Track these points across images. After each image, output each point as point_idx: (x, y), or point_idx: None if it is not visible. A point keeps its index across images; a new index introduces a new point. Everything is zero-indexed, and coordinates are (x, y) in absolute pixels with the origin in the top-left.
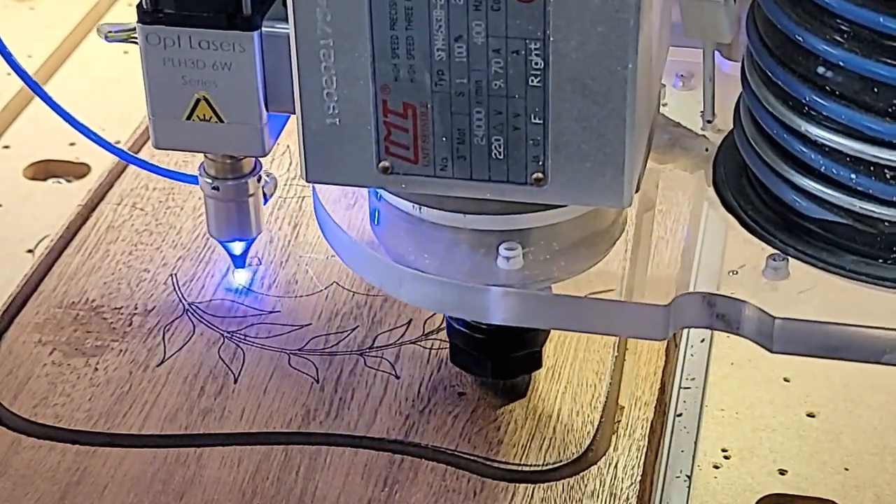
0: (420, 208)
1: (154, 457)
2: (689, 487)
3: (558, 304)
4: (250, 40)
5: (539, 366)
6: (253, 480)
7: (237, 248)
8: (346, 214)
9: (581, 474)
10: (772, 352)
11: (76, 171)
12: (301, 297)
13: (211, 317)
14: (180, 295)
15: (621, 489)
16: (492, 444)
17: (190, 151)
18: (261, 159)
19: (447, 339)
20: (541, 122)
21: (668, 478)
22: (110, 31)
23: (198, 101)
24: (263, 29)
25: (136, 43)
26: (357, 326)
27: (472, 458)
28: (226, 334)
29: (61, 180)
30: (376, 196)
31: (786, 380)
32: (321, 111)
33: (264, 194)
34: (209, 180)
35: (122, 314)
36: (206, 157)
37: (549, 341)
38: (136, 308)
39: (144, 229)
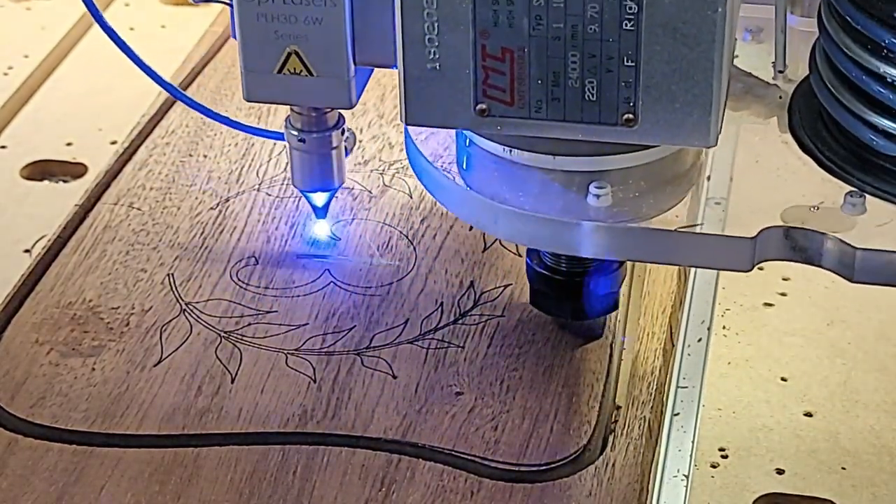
0: (511, 151)
1: (151, 457)
2: (686, 487)
3: (649, 237)
4: None
5: (617, 307)
6: (250, 480)
7: (320, 198)
8: (437, 157)
9: (578, 474)
10: (852, 281)
11: (73, 170)
12: (298, 296)
13: (208, 317)
14: (177, 295)
15: (619, 489)
16: (489, 443)
17: (279, 104)
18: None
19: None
20: (633, 64)
21: (665, 477)
22: None
23: (289, 54)
24: None
25: (223, 2)
26: (354, 326)
27: (469, 457)
28: (223, 334)
29: (58, 180)
30: (464, 141)
31: (783, 379)
32: (422, 57)
33: (346, 149)
34: (295, 133)
35: (119, 314)
36: (292, 110)
37: (545, 341)
38: (133, 308)
39: (141, 229)
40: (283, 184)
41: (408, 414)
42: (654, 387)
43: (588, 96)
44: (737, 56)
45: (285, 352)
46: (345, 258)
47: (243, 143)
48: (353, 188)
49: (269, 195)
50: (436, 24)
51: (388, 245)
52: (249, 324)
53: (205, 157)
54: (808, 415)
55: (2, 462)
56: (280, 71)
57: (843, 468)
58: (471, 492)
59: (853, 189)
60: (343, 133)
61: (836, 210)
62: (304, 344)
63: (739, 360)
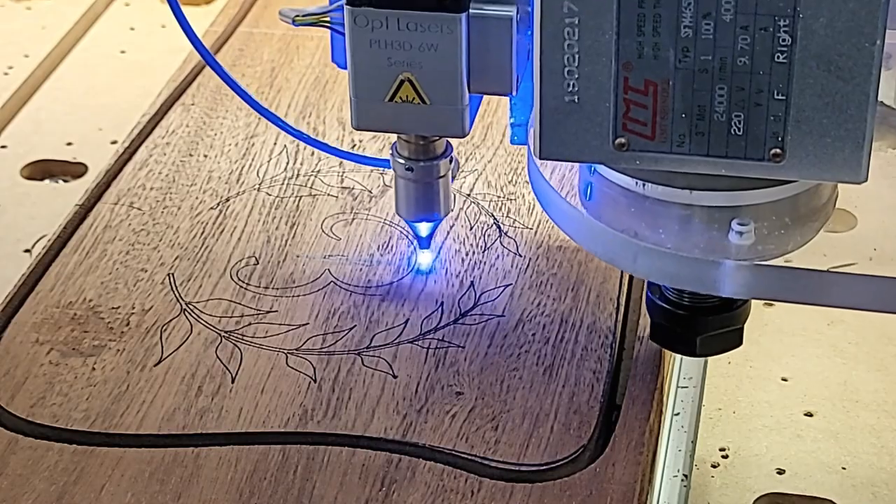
0: (644, 185)
1: (151, 456)
2: (686, 487)
3: (799, 278)
4: (458, 22)
5: (740, 343)
6: (250, 480)
7: (424, 228)
8: (564, 188)
9: (578, 474)
10: None
11: (73, 170)
12: (298, 296)
13: (208, 316)
14: (177, 295)
15: (619, 489)
16: (489, 443)
17: (390, 133)
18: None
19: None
20: (784, 98)
21: (665, 477)
22: (298, 16)
23: (402, 82)
24: (471, 10)
25: (325, 26)
26: (354, 326)
27: (469, 457)
28: (223, 334)
29: (58, 180)
30: (589, 170)
31: (784, 379)
32: (561, 89)
33: (451, 176)
34: (402, 161)
35: (119, 314)
36: (399, 137)
37: (546, 341)
38: (133, 308)
39: (142, 229)
40: (283, 184)
41: (408, 414)
42: (655, 387)
43: (734, 130)
44: None
45: (285, 351)
46: (345, 258)
47: (243, 143)
48: (353, 188)
49: (270, 195)
50: (576, 56)
51: (388, 245)
52: (250, 323)
53: (205, 156)
54: (809, 415)
55: (2, 461)
56: (392, 99)
57: (843, 468)
58: (471, 491)
59: None
60: (451, 161)
61: None
62: (304, 344)
63: (740, 359)
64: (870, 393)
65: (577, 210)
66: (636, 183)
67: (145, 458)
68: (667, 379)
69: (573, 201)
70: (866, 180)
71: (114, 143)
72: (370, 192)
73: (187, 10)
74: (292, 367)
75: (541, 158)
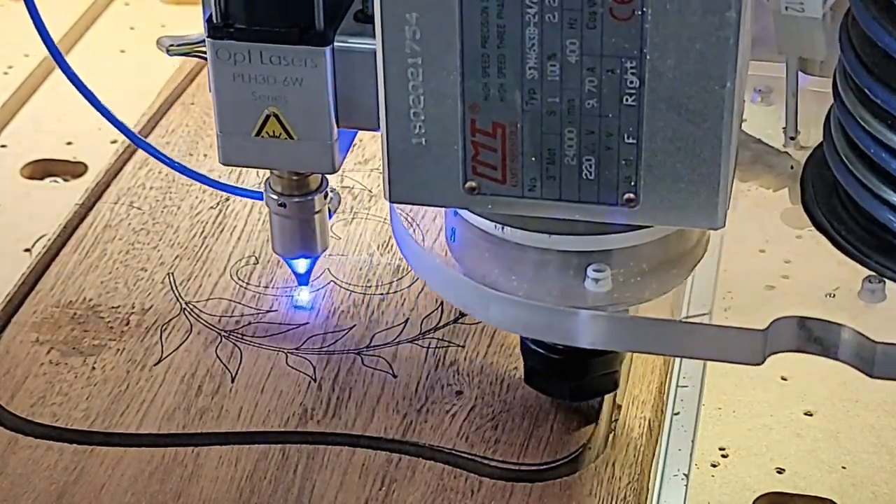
0: (503, 228)
1: (151, 456)
2: (686, 486)
3: (653, 328)
4: (322, 56)
5: (616, 387)
6: (250, 480)
7: (302, 265)
8: (424, 233)
9: (578, 473)
10: (871, 377)
11: (73, 170)
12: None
13: (208, 316)
14: (177, 294)
15: (619, 488)
16: (489, 442)
17: (258, 168)
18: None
19: (521, 360)
20: (634, 141)
21: (665, 477)
22: (172, 45)
23: (268, 117)
24: (336, 44)
25: (199, 57)
26: (354, 325)
27: (469, 456)
28: (223, 333)
29: (58, 179)
30: (453, 213)
31: (783, 378)
32: (407, 131)
33: (329, 210)
34: (275, 197)
35: (119, 313)
36: (272, 173)
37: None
38: (133, 307)
39: (142, 228)
40: None
41: (408, 413)
42: (655, 386)
43: (586, 175)
44: (745, 120)
45: (285, 351)
46: (345, 257)
47: None
48: (353, 187)
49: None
50: (422, 98)
51: (387, 244)
52: (250, 323)
53: (205, 156)
54: (808, 414)
55: (2, 461)
56: (258, 134)
57: (844, 467)
58: (471, 491)
59: (871, 274)
60: (326, 196)
61: (853, 296)
62: (304, 343)
63: None
64: (869, 392)
65: (429, 256)
66: (495, 226)
67: (145, 458)
68: (667, 378)
69: (439, 245)
70: (723, 226)
71: (114, 142)
72: (370, 191)
73: (186, 10)
74: (292, 367)
75: (391, 202)
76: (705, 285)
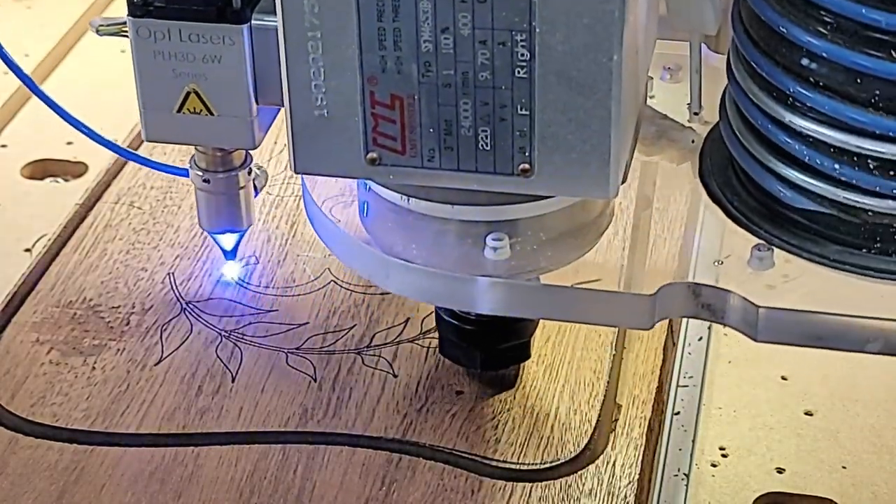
0: (408, 199)
1: (152, 456)
2: (686, 486)
3: (545, 294)
4: (240, 33)
5: (528, 356)
6: (251, 479)
7: (228, 240)
8: (335, 206)
9: (579, 473)
10: (756, 340)
11: (74, 170)
12: (298, 295)
13: (209, 315)
14: (178, 294)
15: (619, 488)
16: (489, 442)
17: (180, 144)
18: (253, 153)
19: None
20: (527, 113)
21: (665, 476)
22: (101, 25)
23: (188, 93)
24: (253, 22)
25: (126, 36)
26: (354, 325)
27: (469, 456)
28: (223, 333)
29: (59, 179)
30: (365, 187)
31: (783, 378)
32: (309, 103)
33: (255, 187)
34: (200, 173)
35: (119, 313)
36: (196, 149)
37: (546, 340)
38: (133, 307)
39: (142, 228)
40: (283, 183)
41: (408, 413)
42: (655, 386)
43: (482, 145)
44: (652, 96)
45: (286, 351)
46: None
47: None
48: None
49: (270, 194)
50: (322, 70)
51: None
52: (250, 323)
53: None
54: (809, 414)
55: (2, 461)
56: (180, 110)
57: (844, 467)
58: (471, 490)
59: (761, 242)
60: (250, 172)
61: (743, 264)
62: (304, 343)
63: (740, 359)
64: (870, 392)
65: (336, 226)
66: (401, 197)
67: (145, 458)
68: (667, 378)
69: (354, 220)
70: (615, 196)
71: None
72: None
73: None
74: (292, 367)
75: (296, 172)
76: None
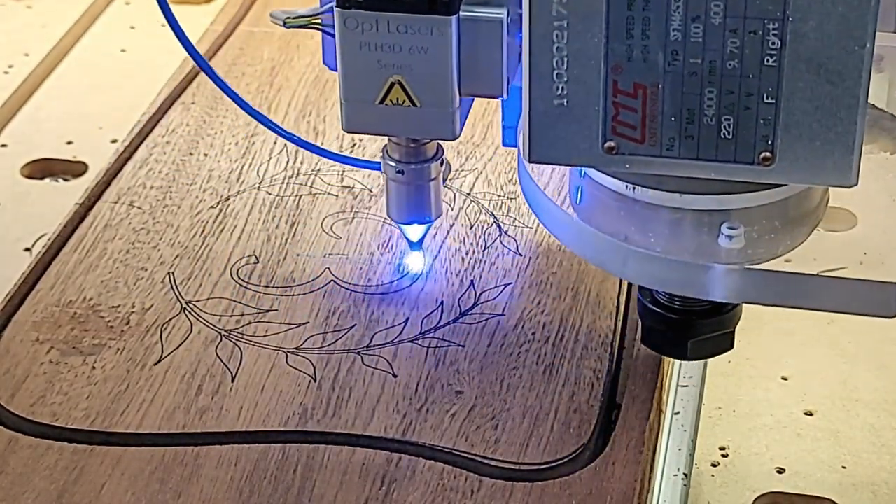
0: (634, 188)
1: (151, 455)
2: (686, 486)
3: (788, 282)
4: (448, 25)
5: (731, 346)
6: (250, 479)
7: (415, 231)
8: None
9: (578, 473)
10: None
11: (73, 169)
12: (298, 295)
13: (208, 315)
14: (178, 293)
15: (619, 488)
16: (489, 442)
17: (380, 135)
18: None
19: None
20: (773, 101)
21: (665, 476)
22: (289, 18)
23: (392, 84)
24: (461, 13)
25: (316, 28)
26: (354, 325)
27: (469, 456)
28: (223, 333)
29: (59, 179)
30: (579, 173)
31: (784, 378)
32: (550, 92)
33: (443, 178)
34: (393, 164)
35: (119, 313)
36: (390, 140)
37: (546, 340)
38: (133, 306)
39: (142, 228)
40: (283, 182)
41: (408, 413)
42: (654, 386)
43: (724, 134)
44: None
45: (285, 350)
46: (345, 257)
47: (244, 142)
48: (353, 187)
49: (270, 194)
50: (566, 59)
51: (388, 244)
52: (250, 322)
53: (205, 155)
54: (809, 414)
55: (2, 460)
56: (382, 101)
57: (844, 467)
58: (471, 490)
59: None
60: (442, 164)
61: None
62: (304, 342)
63: (740, 359)
64: (870, 392)
65: (566, 214)
66: (626, 186)
67: (145, 457)
68: (667, 378)
69: (563, 205)
70: (857, 184)
71: (114, 141)
72: (370, 190)
73: (187, 9)
74: (292, 366)
75: (530, 161)
76: (835, 241)
